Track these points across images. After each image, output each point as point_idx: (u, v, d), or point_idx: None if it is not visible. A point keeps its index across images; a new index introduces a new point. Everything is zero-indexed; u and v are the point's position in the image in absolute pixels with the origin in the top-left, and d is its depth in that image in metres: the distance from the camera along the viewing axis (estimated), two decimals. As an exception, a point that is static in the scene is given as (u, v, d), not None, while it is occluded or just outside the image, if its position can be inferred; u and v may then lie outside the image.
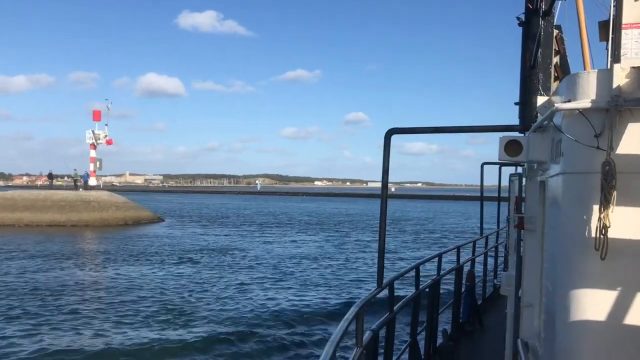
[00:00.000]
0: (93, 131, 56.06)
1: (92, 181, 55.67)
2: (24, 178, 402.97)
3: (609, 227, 2.95)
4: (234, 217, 63.87)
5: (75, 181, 55.14)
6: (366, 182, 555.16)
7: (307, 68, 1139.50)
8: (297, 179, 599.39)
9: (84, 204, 49.25)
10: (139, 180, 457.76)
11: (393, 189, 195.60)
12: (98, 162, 56.76)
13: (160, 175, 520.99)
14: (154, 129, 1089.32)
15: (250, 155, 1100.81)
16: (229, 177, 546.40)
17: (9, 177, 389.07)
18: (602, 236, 2.97)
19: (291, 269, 24.81)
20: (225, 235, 41.27)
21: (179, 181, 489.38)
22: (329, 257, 28.94)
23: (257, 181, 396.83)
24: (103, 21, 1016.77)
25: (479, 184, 10.89)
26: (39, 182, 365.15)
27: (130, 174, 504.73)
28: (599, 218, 2.98)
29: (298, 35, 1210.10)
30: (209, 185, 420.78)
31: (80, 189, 52.19)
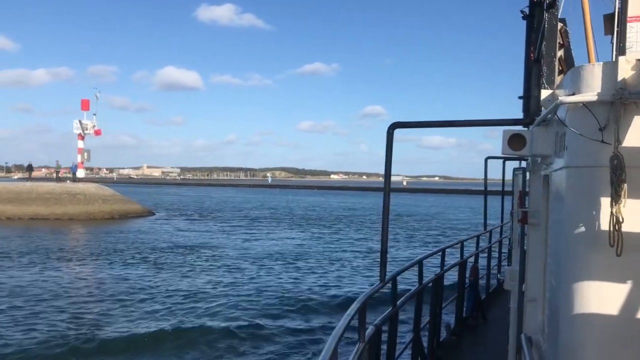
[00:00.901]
0: (80, 121, 54.12)
1: (80, 173, 53.52)
2: (43, 170, 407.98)
3: (622, 222, 2.87)
4: (230, 211, 61.85)
5: (57, 173, 53.40)
6: (382, 175, 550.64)
7: (325, 61, 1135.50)
8: (313, 173, 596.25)
9: (69, 197, 47.35)
10: (156, 173, 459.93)
11: (405, 183, 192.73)
12: (86, 154, 54.47)
13: (177, 168, 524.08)
14: (172, 122, 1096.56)
15: (267, 148, 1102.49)
16: (245, 170, 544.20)
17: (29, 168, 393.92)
18: (616, 232, 2.89)
19: (250, 273, 22.40)
20: (207, 231, 39.11)
21: (195, 174, 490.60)
22: (301, 258, 26.50)
23: (268, 174, 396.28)
24: (122, 15, 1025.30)
25: (495, 177, 10.80)
26: (60, 174, 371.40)
27: (148, 167, 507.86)
28: (611, 213, 2.90)
29: (316, 28, 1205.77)
30: (224, 178, 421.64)
31: (68, 181, 50.67)
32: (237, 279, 20.68)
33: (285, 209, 68.01)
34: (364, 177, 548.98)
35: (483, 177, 10.67)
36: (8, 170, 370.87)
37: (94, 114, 56.06)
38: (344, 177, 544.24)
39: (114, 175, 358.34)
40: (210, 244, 31.18)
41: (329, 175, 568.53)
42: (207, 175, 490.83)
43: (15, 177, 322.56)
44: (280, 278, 21.12)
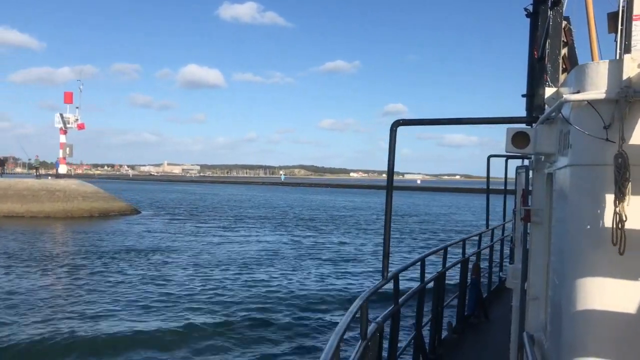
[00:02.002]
0: (62, 115, 51.55)
1: (62, 169, 51.32)
2: (65, 166, 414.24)
3: (626, 220, 2.83)
4: (223, 210, 58.40)
5: (36, 169, 51.20)
6: (402, 174, 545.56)
7: (346, 59, 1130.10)
8: (333, 171, 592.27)
9: (48, 194, 45.02)
10: (176, 170, 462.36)
11: (419, 182, 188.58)
12: (68, 149, 51.98)
13: (197, 165, 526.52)
14: (195, 120, 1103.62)
15: (287, 146, 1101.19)
16: (264, 167, 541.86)
17: (51, 165, 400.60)
18: (619, 230, 2.85)
19: (195, 279, 19.88)
20: (179, 233, 35.39)
21: (215, 171, 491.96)
22: (258, 262, 23.89)
23: (281, 172, 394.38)
24: (146, 13, 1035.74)
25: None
26: (79, 171, 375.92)
27: (169, 164, 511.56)
28: (615, 211, 2.85)
29: (337, 26, 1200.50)
30: (243, 175, 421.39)
31: (49, 177, 48.57)
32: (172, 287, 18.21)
33: (284, 208, 64.76)
34: (384, 175, 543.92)
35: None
36: (31, 166, 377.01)
37: (77, 107, 54.00)
38: (363, 175, 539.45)
39: (130, 172, 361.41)
40: (174, 247, 28.22)
41: (349, 173, 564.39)
42: (227, 172, 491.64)
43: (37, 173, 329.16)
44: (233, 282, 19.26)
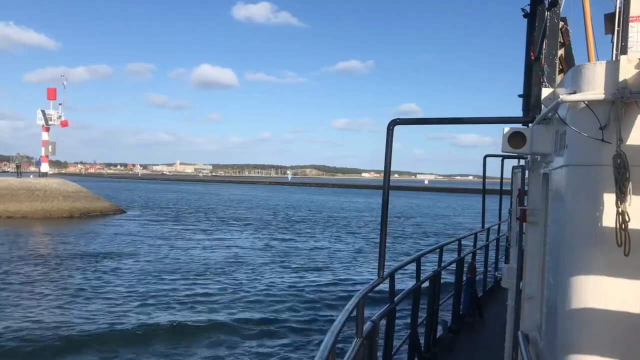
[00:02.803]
0: (44, 111, 48.52)
1: (44, 167, 48.58)
2: (79, 166, 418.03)
3: (629, 221, 2.78)
4: (214, 211, 55.95)
5: (18, 167, 49.76)
6: (415, 174, 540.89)
7: (360, 58, 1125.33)
8: (345, 171, 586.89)
9: (27, 193, 43.42)
10: (189, 170, 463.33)
11: (426, 182, 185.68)
12: (50, 146, 49.24)
13: (210, 164, 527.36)
14: (209, 120, 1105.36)
15: (301, 146, 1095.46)
16: (276, 167, 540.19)
17: (64, 164, 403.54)
18: (622, 231, 2.79)
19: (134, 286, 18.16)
20: (155, 235, 33.17)
21: (228, 171, 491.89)
22: (212, 269, 21.90)
23: (288, 172, 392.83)
24: (160, 13, 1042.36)
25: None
26: (92, 170, 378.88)
27: (181, 163, 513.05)
28: (618, 212, 2.79)
29: (351, 26, 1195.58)
30: (255, 175, 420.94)
31: (31, 176, 47.19)
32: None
33: (278, 209, 62.03)
34: (396, 175, 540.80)
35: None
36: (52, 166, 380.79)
37: (60, 104, 50.71)
38: (375, 175, 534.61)
39: (139, 172, 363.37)
40: (132, 252, 25.98)
41: (361, 174, 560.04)
42: (239, 172, 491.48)
43: (50, 172, 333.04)
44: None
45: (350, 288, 18.54)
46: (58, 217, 41.83)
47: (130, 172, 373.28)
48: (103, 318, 14.32)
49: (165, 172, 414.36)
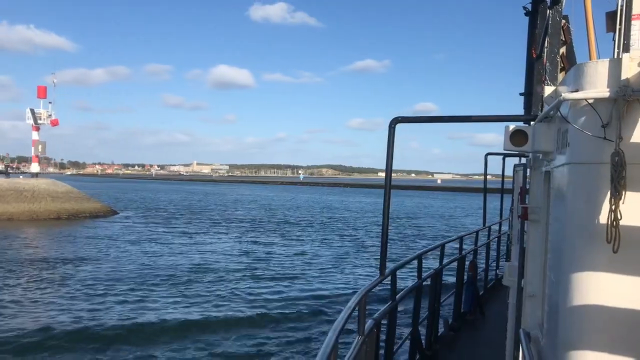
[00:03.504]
0: (33, 110, 47.34)
1: (34, 167, 47.33)
2: (97, 166, 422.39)
3: (621, 219, 2.75)
4: (210, 212, 54.27)
5: (7, 167, 48.48)
6: (432, 173, 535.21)
7: (376, 58, 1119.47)
8: (360, 170, 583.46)
9: (15, 194, 42.34)
10: (206, 170, 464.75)
11: (439, 181, 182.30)
12: (40, 146, 48.04)
13: (226, 165, 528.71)
14: (225, 120, 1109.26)
15: (316, 145, 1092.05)
16: (292, 167, 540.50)
17: (83, 165, 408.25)
18: (613, 229, 2.76)
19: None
20: (137, 239, 31.55)
21: (244, 171, 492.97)
22: (179, 276, 20.30)
23: (300, 172, 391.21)
24: (178, 15, 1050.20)
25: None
26: (109, 170, 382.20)
27: (198, 164, 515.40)
28: (610, 210, 2.77)
29: (367, 25, 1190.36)
30: (271, 175, 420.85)
31: (21, 176, 45.96)
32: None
33: (278, 210, 60.41)
34: (413, 175, 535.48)
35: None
36: (62, 166, 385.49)
37: (50, 102, 49.85)
38: (392, 175, 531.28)
39: (153, 172, 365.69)
40: (102, 257, 24.66)
41: (377, 173, 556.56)
42: (255, 172, 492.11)
43: (68, 173, 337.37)
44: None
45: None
46: (45, 218, 40.68)
47: (147, 173, 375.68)
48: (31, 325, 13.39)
49: (182, 173, 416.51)
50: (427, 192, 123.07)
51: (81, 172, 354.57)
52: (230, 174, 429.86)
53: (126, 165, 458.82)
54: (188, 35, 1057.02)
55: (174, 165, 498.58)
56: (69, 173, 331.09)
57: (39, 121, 47.03)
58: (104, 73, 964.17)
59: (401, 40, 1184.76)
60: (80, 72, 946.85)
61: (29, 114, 47.10)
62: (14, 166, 53.94)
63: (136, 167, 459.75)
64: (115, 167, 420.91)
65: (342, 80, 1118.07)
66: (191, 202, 73.38)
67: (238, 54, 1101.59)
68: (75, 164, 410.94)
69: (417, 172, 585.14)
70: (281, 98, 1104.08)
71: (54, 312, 14.96)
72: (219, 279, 20.14)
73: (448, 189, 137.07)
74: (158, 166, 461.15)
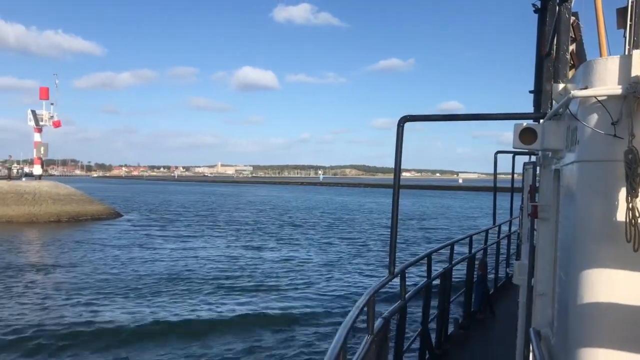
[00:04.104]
0: (34, 111, 45.74)
1: (37, 169, 45.62)
2: (123, 169, 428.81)
3: (639, 217, 2.68)
4: (214, 214, 52.66)
5: (9, 169, 47.92)
6: (457, 173, 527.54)
7: (401, 57, 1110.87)
8: (385, 170, 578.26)
9: (15, 196, 41.66)
10: (230, 171, 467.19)
11: (460, 181, 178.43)
12: (42, 148, 46.39)
13: (250, 166, 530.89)
14: (249, 122, 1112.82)
15: (341, 146, 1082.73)
16: (315, 167, 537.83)
17: (109, 167, 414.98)
18: (632, 227, 2.68)
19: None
20: (128, 244, 29.97)
21: (267, 172, 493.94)
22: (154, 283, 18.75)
23: (319, 172, 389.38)
24: (202, 17, 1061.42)
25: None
26: (135, 172, 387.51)
27: (222, 165, 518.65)
28: (628, 208, 2.69)
29: (392, 24, 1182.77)
30: (294, 176, 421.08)
31: (23, 179, 45.34)
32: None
33: (288, 211, 58.35)
34: (437, 174, 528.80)
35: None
36: (89, 169, 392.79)
37: (52, 104, 48.36)
38: (416, 174, 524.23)
39: (176, 173, 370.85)
40: (80, 263, 23.42)
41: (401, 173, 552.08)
42: (278, 173, 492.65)
43: (94, 175, 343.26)
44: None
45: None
46: (45, 221, 39.89)
47: (172, 174, 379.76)
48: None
49: (206, 174, 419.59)
50: (449, 192, 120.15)
51: (107, 175, 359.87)
52: (253, 175, 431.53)
53: (152, 167, 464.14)
54: (213, 37, 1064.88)
55: (199, 166, 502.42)
56: (95, 175, 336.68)
57: (41, 123, 46.40)
58: (131, 76, 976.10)
59: (426, 39, 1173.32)
60: (107, 75, 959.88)
61: (30, 116, 46.33)
62: (19, 168, 53.57)
63: (162, 169, 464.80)
64: (141, 169, 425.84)
65: (367, 80, 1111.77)
66: (205, 203, 72.39)
67: (262, 56, 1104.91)
68: (102, 166, 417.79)
69: (442, 172, 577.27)
70: (305, 99, 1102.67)
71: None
72: (199, 284, 19.09)
73: (470, 188, 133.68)
74: (183, 168, 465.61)
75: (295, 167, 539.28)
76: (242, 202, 78.36)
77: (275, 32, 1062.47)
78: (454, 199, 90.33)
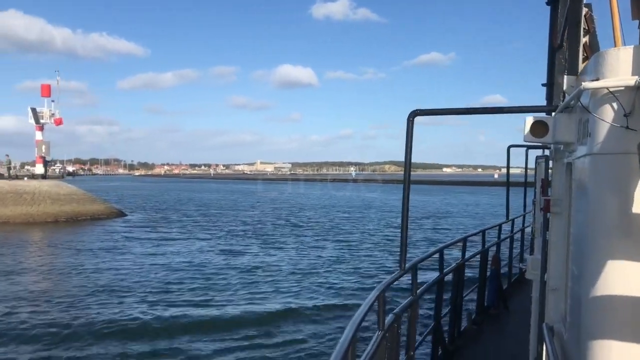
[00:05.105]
0: (34, 109, 44.17)
1: (39, 169, 44.36)
2: (165, 167, 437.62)
3: None
4: (226, 213, 50.28)
5: (8, 169, 47.50)
6: (499, 168, 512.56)
7: (441, 51, 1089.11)
8: (425, 166, 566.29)
9: (15, 196, 40.72)
10: (269, 169, 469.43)
11: (496, 176, 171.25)
12: (44, 146, 44.91)
13: (289, 163, 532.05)
14: (289, 119, 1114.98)
15: (381, 142, 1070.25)
16: (354, 164, 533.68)
17: (151, 166, 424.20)
18: None
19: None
20: (117, 247, 27.85)
21: (306, 169, 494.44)
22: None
23: (352, 169, 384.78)
24: (241, 16, 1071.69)
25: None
26: (176, 171, 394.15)
27: (261, 163, 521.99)
28: None
29: (432, 18, 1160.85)
30: (333, 173, 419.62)
31: (25, 178, 44.63)
32: None
33: (302, 209, 55.44)
34: (479, 170, 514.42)
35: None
36: (132, 167, 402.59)
37: (53, 101, 47.34)
38: (457, 170, 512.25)
39: (211, 170, 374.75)
40: (52, 268, 21.66)
41: (441, 169, 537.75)
42: (317, 170, 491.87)
43: (137, 173, 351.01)
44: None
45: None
46: (42, 221, 38.87)
47: (213, 173, 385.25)
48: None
49: (245, 172, 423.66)
50: (484, 188, 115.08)
51: (149, 173, 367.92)
52: (292, 172, 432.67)
53: (192, 166, 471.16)
54: (253, 36, 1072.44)
55: (239, 164, 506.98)
56: (137, 174, 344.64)
57: (42, 120, 45.56)
58: (173, 76, 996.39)
59: (467, 32, 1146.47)
60: (150, 76, 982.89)
61: (30, 114, 45.40)
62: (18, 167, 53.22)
63: (202, 167, 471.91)
64: (182, 168, 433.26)
65: (406, 75, 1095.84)
66: (224, 202, 70.80)
67: (301, 53, 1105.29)
68: (145, 165, 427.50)
69: (484, 167, 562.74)
70: (344, 95, 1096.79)
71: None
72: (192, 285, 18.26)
73: (502, 183, 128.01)
74: (223, 166, 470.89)
75: (334, 164, 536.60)
76: (263, 200, 76.44)
77: (314, 29, 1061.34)
78: (488, 195, 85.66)
